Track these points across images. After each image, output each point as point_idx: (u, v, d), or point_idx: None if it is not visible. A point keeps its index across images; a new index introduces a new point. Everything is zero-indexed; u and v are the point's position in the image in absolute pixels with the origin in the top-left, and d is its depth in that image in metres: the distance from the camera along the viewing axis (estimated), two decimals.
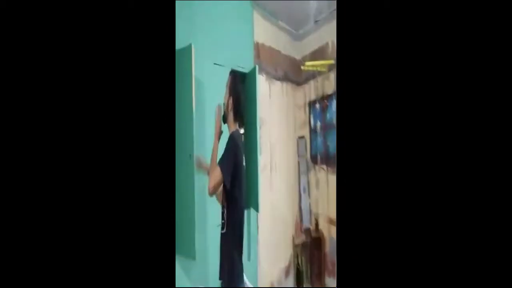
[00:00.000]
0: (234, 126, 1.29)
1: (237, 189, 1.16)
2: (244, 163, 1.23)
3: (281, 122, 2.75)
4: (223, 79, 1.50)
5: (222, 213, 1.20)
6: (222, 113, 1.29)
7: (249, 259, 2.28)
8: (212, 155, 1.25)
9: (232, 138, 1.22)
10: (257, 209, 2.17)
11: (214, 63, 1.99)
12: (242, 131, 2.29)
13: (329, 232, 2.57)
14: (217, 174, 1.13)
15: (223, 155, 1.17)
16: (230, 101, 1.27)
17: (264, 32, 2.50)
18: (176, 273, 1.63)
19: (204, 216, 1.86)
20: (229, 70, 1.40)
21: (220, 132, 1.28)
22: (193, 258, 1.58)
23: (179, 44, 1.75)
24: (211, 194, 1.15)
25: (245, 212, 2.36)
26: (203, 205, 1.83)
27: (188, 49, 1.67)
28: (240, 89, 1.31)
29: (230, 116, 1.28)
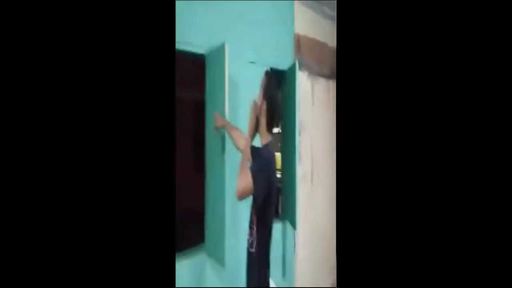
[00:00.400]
0: (267, 137, 1.13)
1: (267, 207, 1.07)
2: (276, 178, 1.11)
3: (326, 126, 2.56)
4: (260, 77, 1.48)
5: (250, 230, 1.13)
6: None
7: (284, 275, 2.17)
8: (243, 155, 1.13)
9: (267, 153, 1.08)
10: (294, 226, 2.03)
11: (250, 62, 1.99)
12: (276, 130, 2.18)
13: None
14: (247, 179, 1.03)
15: (255, 169, 1.05)
16: (264, 106, 1.10)
17: (306, 21, 2.32)
18: (207, 275, 1.68)
19: (236, 222, 1.85)
20: (265, 69, 1.30)
21: (255, 133, 1.16)
22: (223, 265, 1.58)
23: (212, 42, 1.79)
24: (239, 198, 1.07)
25: (280, 225, 2.29)
26: (235, 211, 1.83)
27: (221, 48, 1.71)
28: (276, 93, 1.13)
29: (263, 123, 1.11)
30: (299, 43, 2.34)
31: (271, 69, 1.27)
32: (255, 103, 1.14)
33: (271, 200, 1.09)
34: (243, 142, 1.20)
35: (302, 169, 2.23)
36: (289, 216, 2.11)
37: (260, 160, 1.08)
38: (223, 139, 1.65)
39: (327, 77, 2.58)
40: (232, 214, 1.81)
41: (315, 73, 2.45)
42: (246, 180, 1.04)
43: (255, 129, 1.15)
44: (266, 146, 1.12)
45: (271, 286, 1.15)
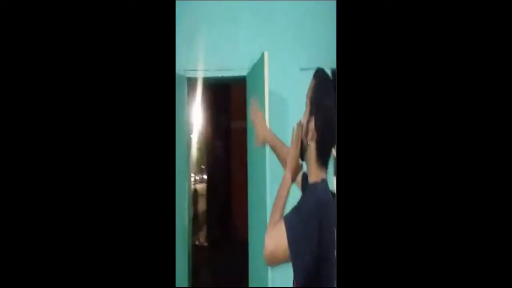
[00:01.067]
0: (318, 172, 0.69)
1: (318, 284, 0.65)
2: (333, 239, 0.66)
3: None
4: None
5: None
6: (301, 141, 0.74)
7: None
8: (276, 200, 0.71)
9: (316, 198, 0.66)
10: None
11: (301, 69, 1.65)
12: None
13: None
14: (279, 235, 0.62)
15: (292, 223, 0.64)
16: (312, 124, 0.69)
17: None
18: None
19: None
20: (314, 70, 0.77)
21: (299, 167, 0.76)
22: None
23: (254, 55, 1.61)
24: (268, 264, 0.67)
25: None
26: None
27: (260, 60, 1.48)
28: (331, 102, 0.70)
29: (311, 152, 0.69)
30: None
31: (322, 69, 0.77)
32: (300, 126, 0.73)
33: (326, 273, 0.65)
34: (288, 166, 0.74)
35: None
36: None
37: (303, 209, 0.65)
38: (263, 162, 1.38)
39: None
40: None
41: None
42: (276, 238, 0.63)
43: (299, 160, 0.74)
44: (314, 187, 0.68)
45: None
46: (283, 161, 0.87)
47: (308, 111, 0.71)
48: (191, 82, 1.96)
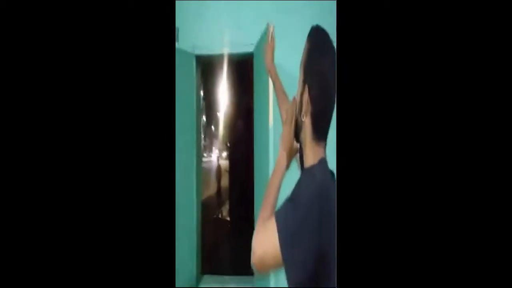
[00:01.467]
0: (316, 153, 0.58)
1: None
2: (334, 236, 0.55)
3: None
4: None
5: None
6: (295, 116, 0.63)
7: None
8: (267, 190, 0.61)
9: (313, 184, 0.54)
10: None
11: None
12: None
13: None
14: (269, 237, 0.51)
15: (285, 222, 0.52)
16: (305, 96, 0.57)
17: None
18: None
19: None
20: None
21: (295, 149, 0.65)
22: None
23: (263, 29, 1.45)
24: (258, 271, 0.56)
25: None
26: None
27: (265, 32, 1.33)
28: (328, 65, 0.58)
29: (307, 129, 0.58)
30: None
31: (317, 27, 0.62)
32: (294, 99, 0.62)
33: (326, 271, 0.53)
34: (282, 147, 0.65)
35: None
36: None
37: (298, 199, 0.53)
38: (267, 141, 1.30)
39: None
40: None
41: None
42: (266, 240, 0.51)
43: (294, 141, 0.63)
44: (311, 170, 0.57)
45: None
46: (281, 111, 0.78)
47: (301, 81, 0.59)
48: (204, 60, 1.90)
